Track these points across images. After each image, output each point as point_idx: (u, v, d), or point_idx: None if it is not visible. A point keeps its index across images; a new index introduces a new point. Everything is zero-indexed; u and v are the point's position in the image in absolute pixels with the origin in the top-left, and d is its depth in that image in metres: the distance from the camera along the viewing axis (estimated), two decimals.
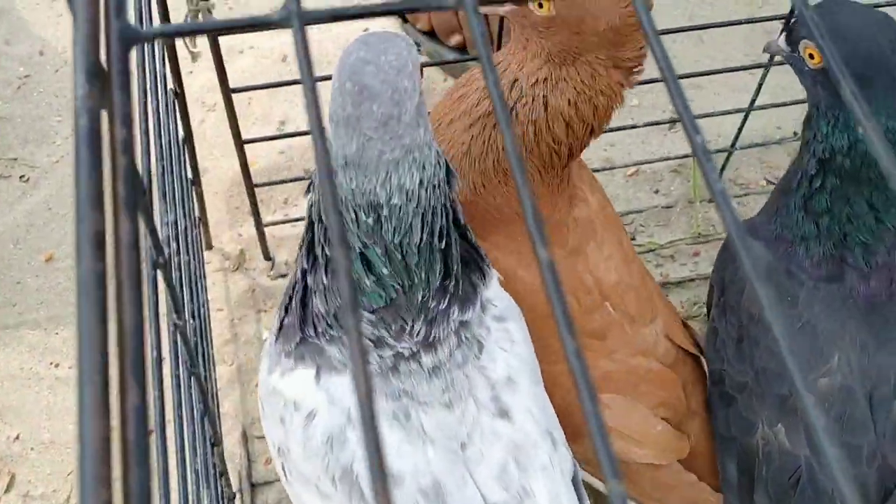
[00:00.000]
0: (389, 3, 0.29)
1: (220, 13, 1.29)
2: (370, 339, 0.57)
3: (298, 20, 0.30)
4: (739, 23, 0.93)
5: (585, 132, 0.67)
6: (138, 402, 0.23)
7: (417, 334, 0.57)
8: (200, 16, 0.66)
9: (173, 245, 0.58)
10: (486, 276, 0.62)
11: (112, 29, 0.29)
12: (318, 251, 0.56)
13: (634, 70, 0.66)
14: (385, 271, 0.55)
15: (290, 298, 0.59)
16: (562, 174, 0.70)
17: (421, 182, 0.53)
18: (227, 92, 0.79)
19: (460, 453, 0.58)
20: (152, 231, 0.42)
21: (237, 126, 0.85)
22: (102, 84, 0.27)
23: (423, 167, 0.53)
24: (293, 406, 0.58)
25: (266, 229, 1.02)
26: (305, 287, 0.58)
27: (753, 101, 0.98)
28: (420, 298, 0.57)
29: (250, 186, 0.94)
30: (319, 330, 0.57)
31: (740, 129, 1.03)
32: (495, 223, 0.70)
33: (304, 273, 0.58)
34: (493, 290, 0.63)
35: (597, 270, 0.73)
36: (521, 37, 0.66)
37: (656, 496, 0.75)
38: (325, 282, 0.56)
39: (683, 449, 0.74)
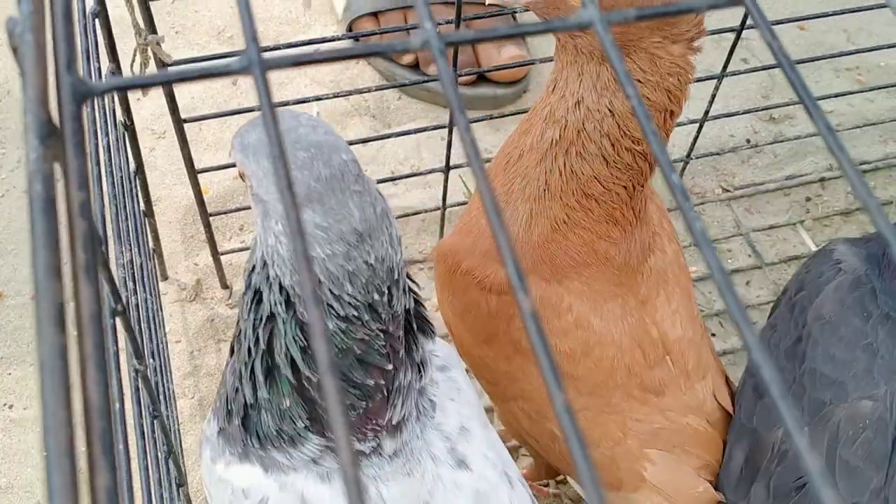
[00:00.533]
0: (352, 47, 0.28)
1: (169, 40, 1.27)
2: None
3: (260, 67, 0.29)
4: (713, 32, 0.93)
5: (665, 119, 0.62)
6: (109, 484, 0.22)
7: (388, 424, 0.55)
8: (150, 50, 0.65)
9: (129, 285, 0.56)
10: (431, 329, 0.59)
11: (63, 85, 0.27)
12: (281, 360, 0.51)
13: (695, 37, 0.60)
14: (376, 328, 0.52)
15: (229, 413, 0.55)
16: (649, 179, 0.65)
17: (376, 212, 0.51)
18: (179, 122, 0.77)
19: None
20: (109, 279, 0.40)
21: (190, 157, 0.83)
22: (56, 142, 0.26)
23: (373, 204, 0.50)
24: (242, 494, 0.55)
25: (222, 257, 1.00)
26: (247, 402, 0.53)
27: (707, 111, 0.99)
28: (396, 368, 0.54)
29: (205, 215, 0.92)
30: (266, 445, 0.54)
31: (695, 139, 1.04)
32: (573, 266, 0.67)
33: (253, 388, 0.53)
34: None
35: (663, 323, 0.70)
36: (569, 44, 0.59)
37: None
38: (283, 405, 0.52)
39: None
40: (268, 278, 0.50)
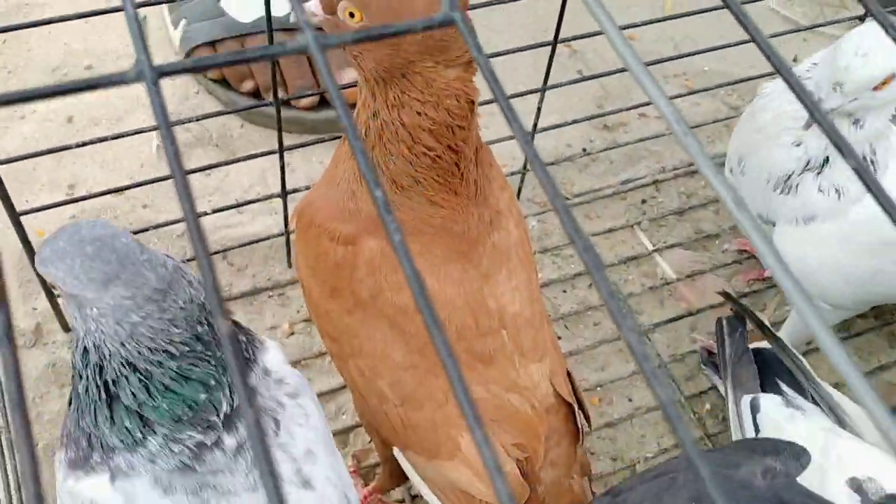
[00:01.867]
0: (68, 82, 0.29)
1: (2, 82, 1.23)
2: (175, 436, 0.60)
3: None
4: (527, 48, 0.97)
5: (452, 132, 0.65)
6: None
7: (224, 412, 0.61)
8: None
9: None
10: (255, 339, 0.64)
11: None
12: (130, 402, 0.59)
13: (470, 62, 0.63)
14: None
15: (75, 441, 0.61)
16: (464, 175, 0.68)
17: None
18: None
19: None
20: None
21: (10, 202, 0.81)
22: None
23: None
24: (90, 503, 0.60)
25: (60, 299, 0.97)
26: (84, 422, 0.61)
27: (535, 125, 1.02)
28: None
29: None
30: (106, 457, 0.60)
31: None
32: (410, 233, 0.69)
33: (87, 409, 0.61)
34: (277, 363, 0.67)
35: (502, 298, 0.71)
36: (357, 68, 0.64)
37: None
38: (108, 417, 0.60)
39: (522, 495, 0.73)
40: (104, 356, 0.59)
